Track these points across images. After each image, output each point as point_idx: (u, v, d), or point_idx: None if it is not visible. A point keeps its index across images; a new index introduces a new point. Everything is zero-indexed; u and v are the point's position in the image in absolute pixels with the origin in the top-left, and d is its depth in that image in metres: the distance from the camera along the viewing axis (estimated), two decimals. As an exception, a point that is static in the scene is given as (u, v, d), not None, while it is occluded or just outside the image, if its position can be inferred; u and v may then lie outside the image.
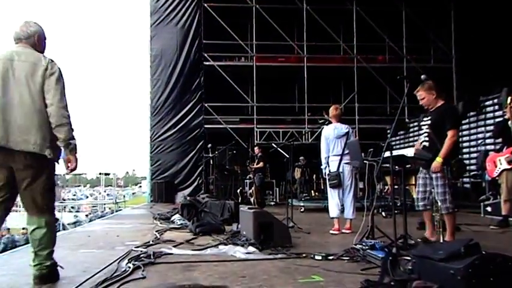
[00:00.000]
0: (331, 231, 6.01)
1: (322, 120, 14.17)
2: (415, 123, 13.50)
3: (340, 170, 6.02)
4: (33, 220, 3.12)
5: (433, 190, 4.58)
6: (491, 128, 10.68)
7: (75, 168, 3.25)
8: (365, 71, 15.50)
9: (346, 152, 5.88)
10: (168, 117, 15.30)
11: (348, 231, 5.90)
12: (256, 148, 11.59)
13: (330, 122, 6.35)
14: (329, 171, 6.15)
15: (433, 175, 4.53)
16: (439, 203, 4.49)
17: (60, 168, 3.32)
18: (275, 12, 15.34)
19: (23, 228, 15.56)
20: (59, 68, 3.18)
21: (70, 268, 3.73)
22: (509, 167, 6.48)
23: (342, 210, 6.16)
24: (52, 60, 3.17)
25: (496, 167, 6.71)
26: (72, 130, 3.14)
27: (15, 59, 3.08)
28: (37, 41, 3.26)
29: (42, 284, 3.08)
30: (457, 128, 4.65)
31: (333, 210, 6.13)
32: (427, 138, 4.64)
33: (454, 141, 4.45)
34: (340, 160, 5.99)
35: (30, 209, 3.11)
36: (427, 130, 4.64)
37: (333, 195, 6.16)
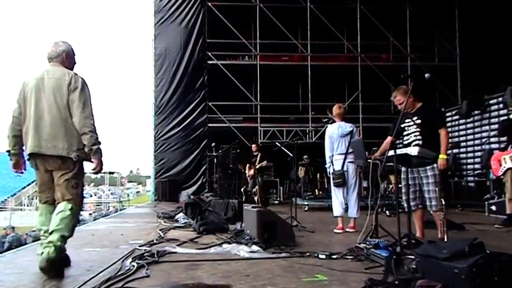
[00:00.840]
0: (335, 230, 6.03)
1: (326, 119, 14.17)
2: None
3: (345, 168, 6.05)
4: (61, 205, 3.50)
5: (423, 189, 4.63)
6: (496, 126, 10.66)
7: (99, 171, 3.68)
8: (369, 69, 15.47)
9: (351, 150, 5.89)
10: (172, 116, 15.33)
11: (351, 230, 5.93)
12: (254, 146, 11.55)
13: (334, 121, 6.35)
14: (333, 170, 6.18)
15: (423, 174, 4.60)
16: (429, 201, 4.57)
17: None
18: (279, 11, 15.33)
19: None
20: (82, 81, 3.58)
21: (74, 267, 3.75)
22: None
23: (346, 209, 6.18)
24: (76, 74, 3.59)
25: (500, 165, 6.71)
26: (96, 137, 3.53)
27: (45, 77, 3.56)
28: (65, 58, 3.69)
29: (48, 266, 3.24)
30: (446, 125, 4.95)
31: (337, 209, 6.16)
32: (419, 137, 4.68)
33: (448, 137, 4.68)
34: (345, 159, 6.00)
35: (61, 200, 3.54)
36: (417, 130, 4.69)
37: (337, 194, 6.19)
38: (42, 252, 3.33)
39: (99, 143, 3.56)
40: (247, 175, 11.21)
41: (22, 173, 3.77)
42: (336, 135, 6.14)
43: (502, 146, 7.37)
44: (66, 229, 3.42)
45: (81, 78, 3.59)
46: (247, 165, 11.27)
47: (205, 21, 15.59)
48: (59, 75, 3.56)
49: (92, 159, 3.58)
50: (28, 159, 3.66)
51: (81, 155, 3.56)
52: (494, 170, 6.96)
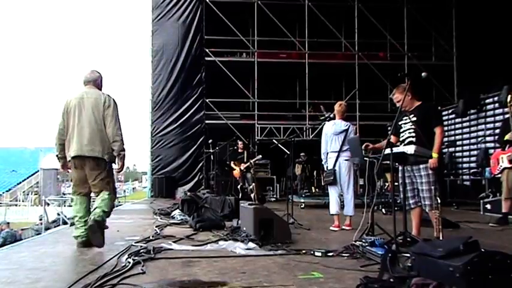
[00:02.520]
0: (331, 228, 6.08)
1: (323, 117, 14.21)
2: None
3: (337, 167, 6.08)
4: (101, 194, 4.57)
5: (418, 187, 4.66)
6: (491, 126, 10.71)
7: (122, 170, 4.87)
8: (366, 67, 15.48)
9: (345, 148, 5.96)
10: (169, 113, 15.31)
11: (347, 228, 5.95)
12: (240, 143, 11.57)
13: (331, 118, 6.40)
14: (326, 168, 6.25)
15: (417, 173, 4.63)
16: (423, 200, 4.60)
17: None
18: (277, 8, 15.32)
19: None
20: (114, 101, 4.69)
21: (70, 263, 3.77)
22: (510, 165, 6.53)
23: (342, 207, 6.25)
24: (109, 95, 4.70)
25: (498, 164, 6.75)
26: (123, 145, 4.61)
27: (84, 97, 4.63)
28: (99, 83, 4.84)
29: (94, 227, 4.28)
30: (443, 124, 4.90)
31: (333, 207, 6.19)
32: (413, 135, 4.70)
33: (443, 137, 4.72)
34: (338, 157, 6.04)
35: (99, 190, 4.60)
36: (412, 127, 4.72)
37: (332, 192, 6.24)
38: (78, 236, 4.47)
39: (124, 149, 4.62)
40: (234, 174, 11.26)
41: (68, 172, 4.87)
42: (330, 133, 6.17)
43: (497, 145, 7.40)
44: (106, 206, 4.50)
45: (113, 98, 4.70)
46: (235, 163, 11.31)
47: (203, 18, 15.55)
48: (96, 95, 4.64)
49: (118, 161, 4.65)
50: (69, 161, 4.65)
51: (111, 157, 4.61)
52: (492, 168, 7.05)
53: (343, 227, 5.99)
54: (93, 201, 4.73)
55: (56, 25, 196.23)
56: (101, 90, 4.80)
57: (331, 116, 6.53)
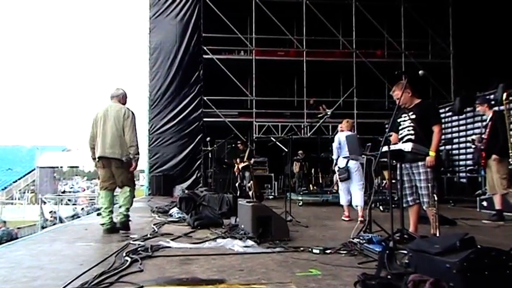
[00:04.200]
0: (342, 218, 6.86)
1: (321, 115, 14.27)
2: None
3: (348, 165, 6.81)
4: (124, 189, 5.67)
5: (417, 185, 4.68)
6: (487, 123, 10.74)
7: (134, 169, 5.76)
8: (364, 65, 15.50)
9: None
10: (167, 110, 15.28)
11: (361, 219, 6.06)
12: (239, 144, 11.65)
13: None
14: (338, 167, 7.01)
15: (415, 170, 4.64)
16: (422, 197, 4.62)
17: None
18: (275, 5, 15.30)
19: None
20: (132, 113, 5.68)
21: (67, 261, 3.75)
22: (483, 164, 6.85)
23: (350, 200, 6.90)
24: (129, 109, 5.70)
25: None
26: (137, 149, 5.63)
27: (108, 109, 5.66)
28: (122, 98, 5.84)
29: (121, 227, 5.52)
30: (441, 122, 4.90)
31: (342, 199, 7.05)
32: (412, 132, 4.71)
33: (441, 135, 4.72)
34: (348, 159, 6.67)
35: (122, 186, 5.66)
36: (411, 125, 4.72)
37: (342, 187, 7.04)
38: (103, 224, 5.45)
39: (139, 153, 5.67)
40: (235, 170, 11.34)
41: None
42: (343, 141, 6.79)
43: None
44: (128, 203, 5.68)
45: (131, 111, 5.69)
46: (237, 160, 11.37)
47: (201, 15, 15.52)
48: (118, 108, 5.66)
49: (133, 162, 5.64)
50: (98, 161, 5.64)
51: (128, 158, 5.56)
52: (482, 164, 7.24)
53: (359, 219, 6.14)
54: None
55: (54, 23, 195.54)
56: (124, 104, 5.81)
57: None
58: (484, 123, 6.87)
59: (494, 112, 6.95)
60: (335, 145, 7.22)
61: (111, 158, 5.52)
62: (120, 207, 5.66)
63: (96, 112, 5.77)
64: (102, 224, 5.45)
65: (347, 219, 6.76)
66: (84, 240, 4.99)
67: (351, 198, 6.91)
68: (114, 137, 5.51)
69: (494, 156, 6.60)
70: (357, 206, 6.61)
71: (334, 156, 7.21)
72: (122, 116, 5.57)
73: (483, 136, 6.76)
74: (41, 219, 19.63)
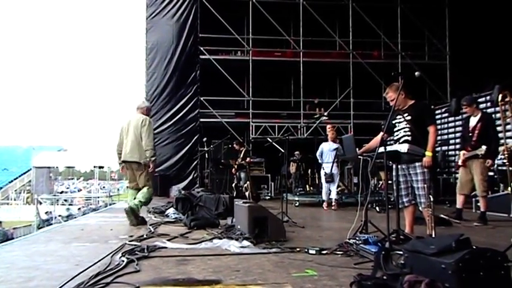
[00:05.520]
0: (324, 207, 9.30)
1: (317, 116, 14.28)
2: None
3: (333, 171, 9.30)
4: (143, 189, 6.47)
5: (413, 185, 4.69)
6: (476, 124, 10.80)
7: (153, 170, 6.60)
8: (360, 66, 15.54)
9: (335, 160, 9.26)
10: (164, 111, 15.25)
11: (334, 208, 9.14)
12: (235, 144, 11.69)
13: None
14: (325, 173, 9.41)
15: (412, 171, 4.66)
16: (418, 198, 4.64)
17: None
18: (271, 6, 15.33)
19: None
20: (149, 121, 6.54)
21: (63, 261, 3.74)
22: (462, 164, 6.81)
23: (329, 194, 9.38)
24: (146, 118, 6.56)
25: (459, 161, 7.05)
26: (153, 152, 6.47)
27: (131, 120, 6.59)
28: (145, 111, 6.78)
29: (128, 211, 6.23)
30: (436, 123, 4.96)
31: (324, 195, 9.51)
32: (408, 133, 4.73)
33: (437, 135, 4.76)
34: (332, 165, 9.26)
35: (142, 186, 6.50)
36: (407, 126, 4.74)
37: (325, 186, 9.46)
38: (128, 206, 6.31)
39: (155, 155, 6.54)
40: (232, 170, 11.39)
41: (125, 173, 7.04)
42: (326, 150, 9.52)
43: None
44: (143, 198, 6.39)
45: (149, 119, 6.57)
46: (234, 161, 11.42)
47: (198, 16, 15.50)
48: (138, 117, 6.56)
49: (150, 164, 6.45)
50: (122, 164, 6.67)
51: (146, 161, 6.40)
52: (456, 165, 7.38)
53: (332, 208, 9.14)
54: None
55: (51, 22, 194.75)
56: (147, 115, 6.72)
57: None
58: (472, 124, 6.77)
59: (483, 113, 6.97)
60: (318, 153, 9.57)
61: (131, 161, 6.46)
62: (135, 197, 6.50)
63: (123, 122, 6.77)
64: (130, 202, 6.46)
65: (326, 208, 9.27)
66: (80, 240, 4.97)
67: (329, 193, 9.39)
68: (133, 143, 6.42)
69: (489, 161, 6.62)
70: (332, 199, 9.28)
71: (320, 161, 9.50)
72: (140, 124, 6.45)
73: (473, 139, 6.71)
74: (36, 220, 19.58)
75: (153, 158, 6.42)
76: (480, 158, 6.55)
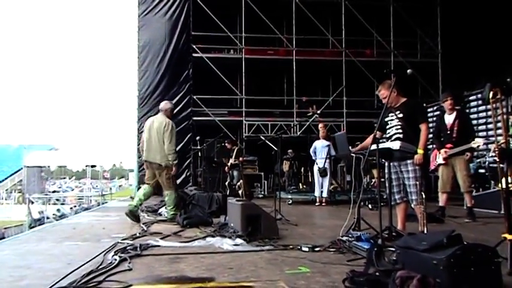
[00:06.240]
0: (316, 204, 9.66)
1: (310, 114, 14.30)
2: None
3: (326, 166, 9.61)
4: (165, 192, 6.75)
5: (405, 183, 4.73)
6: (475, 122, 10.87)
7: (175, 173, 6.85)
8: (353, 65, 15.57)
9: (327, 156, 9.62)
10: (156, 109, 14.84)
11: (324, 204, 9.58)
12: (227, 143, 11.73)
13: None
14: (318, 168, 9.63)
15: (404, 168, 4.70)
16: (410, 195, 4.68)
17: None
18: (264, 4, 15.28)
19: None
20: (172, 125, 6.69)
21: (55, 260, 3.72)
22: (443, 162, 6.82)
23: (322, 191, 9.68)
24: (169, 122, 6.70)
25: (435, 160, 7.13)
26: (175, 156, 6.64)
27: (154, 121, 6.80)
28: (169, 112, 6.92)
29: (127, 213, 6.42)
30: (428, 120, 4.98)
31: (317, 191, 9.78)
32: (400, 131, 4.76)
33: (428, 133, 4.80)
34: (325, 160, 9.60)
35: (163, 188, 6.78)
36: (399, 124, 4.77)
37: (318, 181, 9.74)
38: (130, 205, 6.61)
39: (176, 159, 6.66)
40: (225, 168, 11.41)
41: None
42: (319, 147, 9.85)
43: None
44: (172, 204, 6.70)
45: (172, 123, 6.71)
46: (227, 159, 11.47)
47: (190, 14, 15.42)
48: (161, 120, 6.72)
49: (173, 167, 6.66)
50: (144, 162, 6.98)
51: (166, 163, 6.58)
52: (430, 165, 7.41)
53: (323, 204, 9.60)
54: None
55: (41, 20, 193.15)
56: (169, 117, 6.83)
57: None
58: (449, 122, 6.79)
59: (459, 110, 7.03)
60: (311, 150, 10.01)
61: (152, 162, 6.67)
62: (165, 207, 7.04)
63: (147, 121, 7.02)
64: (129, 205, 6.66)
65: (318, 204, 9.67)
66: (72, 239, 4.95)
67: (321, 190, 9.73)
68: (156, 145, 6.62)
69: (468, 155, 6.67)
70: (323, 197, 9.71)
71: (313, 157, 9.94)
72: (162, 127, 6.61)
73: (453, 135, 6.74)
74: (28, 219, 19.44)
75: (174, 162, 6.64)
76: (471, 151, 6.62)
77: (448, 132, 6.80)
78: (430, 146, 11.99)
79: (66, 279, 2.95)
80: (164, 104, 7.04)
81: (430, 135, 5.82)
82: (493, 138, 7.47)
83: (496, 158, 7.54)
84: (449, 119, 6.83)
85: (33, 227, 15.21)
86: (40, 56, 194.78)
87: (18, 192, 33.66)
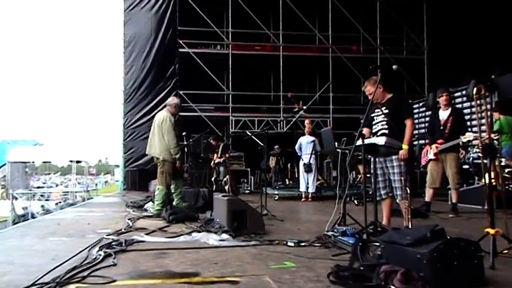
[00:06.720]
0: (302, 200, 9.61)
1: (296, 110, 14.34)
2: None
3: (311, 161, 9.62)
4: (157, 186, 6.77)
5: (390, 178, 4.77)
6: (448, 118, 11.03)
7: (179, 166, 6.94)
8: (340, 61, 15.63)
9: (313, 152, 9.58)
10: (142, 104, 15.07)
11: (310, 200, 9.54)
12: (212, 140, 11.73)
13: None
14: (304, 163, 9.64)
15: (389, 164, 4.73)
16: (395, 190, 4.72)
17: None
18: (251, 0, 15.24)
19: None
20: (169, 119, 6.71)
21: (38, 256, 3.67)
22: (434, 157, 6.86)
23: (307, 187, 9.66)
24: (167, 116, 6.74)
25: (426, 156, 7.16)
26: (176, 148, 6.68)
27: (157, 116, 6.94)
28: (173, 108, 6.92)
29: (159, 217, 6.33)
30: (413, 116, 5.06)
31: (302, 186, 9.78)
32: (385, 126, 4.79)
33: (413, 129, 4.83)
34: (310, 156, 9.58)
35: (157, 183, 6.85)
36: (384, 119, 4.80)
37: (304, 177, 9.72)
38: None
39: (179, 152, 6.73)
40: (212, 164, 11.44)
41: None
42: (304, 142, 9.82)
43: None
44: (158, 202, 6.61)
45: (169, 117, 6.72)
46: (213, 155, 11.48)
47: (177, 9, 15.33)
48: (163, 115, 6.84)
49: (177, 161, 6.74)
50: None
51: (164, 157, 6.67)
52: (422, 160, 7.48)
53: (309, 200, 9.55)
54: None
55: (24, 14, 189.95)
56: (174, 112, 6.87)
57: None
58: (443, 118, 6.85)
59: (454, 107, 7.09)
60: (297, 146, 9.97)
61: (153, 155, 6.87)
62: (150, 201, 7.43)
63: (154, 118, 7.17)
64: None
65: (304, 199, 9.62)
66: (56, 235, 4.89)
67: (308, 185, 9.68)
68: (155, 139, 6.76)
69: (463, 153, 6.76)
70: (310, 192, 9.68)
71: (299, 153, 9.94)
72: (161, 121, 6.73)
73: (446, 131, 6.81)
74: (12, 215, 19.16)
75: (177, 155, 6.68)
76: (461, 146, 6.68)
77: (441, 128, 6.83)
78: (416, 142, 12.20)
79: (50, 275, 2.91)
80: (171, 99, 7.16)
81: (416, 131, 5.88)
82: (477, 135, 7.59)
83: (479, 154, 7.67)
84: (443, 115, 6.87)
85: (16, 223, 15.01)
86: (24, 50, 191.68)
87: (1, 187, 33.13)
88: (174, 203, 6.79)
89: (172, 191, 6.93)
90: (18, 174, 33.97)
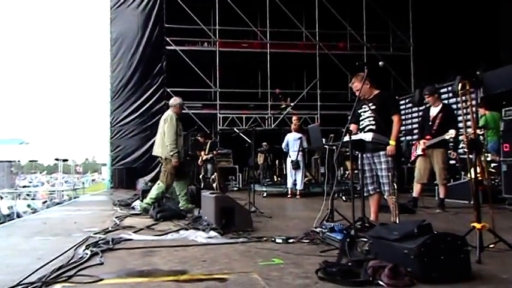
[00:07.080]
0: (288, 196, 9.73)
1: (283, 106, 14.34)
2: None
3: (298, 158, 9.70)
4: (158, 181, 6.88)
5: (378, 174, 4.79)
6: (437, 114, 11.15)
7: (176, 164, 6.68)
8: (327, 58, 15.68)
9: (300, 149, 9.63)
10: (129, 102, 14.94)
11: (298, 197, 9.63)
12: (200, 137, 11.73)
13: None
14: (291, 160, 9.72)
15: (376, 160, 4.76)
16: (383, 186, 4.75)
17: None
18: (238, -3, 15.21)
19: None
20: (171, 118, 6.78)
21: (24, 255, 3.63)
22: (422, 153, 6.92)
23: (295, 184, 9.78)
24: (169, 115, 6.84)
25: (415, 151, 7.25)
26: (172, 146, 6.63)
27: (163, 115, 7.05)
28: (177, 108, 7.00)
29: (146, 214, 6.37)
30: (400, 112, 5.06)
31: (289, 183, 9.88)
32: (373, 122, 4.81)
33: (401, 125, 4.87)
34: (298, 153, 9.67)
35: (159, 180, 6.86)
36: (371, 115, 4.82)
37: (291, 174, 9.82)
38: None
39: (175, 150, 6.64)
40: (199, 161, 11.45)
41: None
42: (292, 140, 9.87)
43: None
44: (153, 194, 6.62)
45: (171, 116, 6.80)
46: (201, 152, 11.48)
47: (163, 6, 15.21)
48: (166, 114, 6.96)
49: (172, 159, 6.65)
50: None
51: (166, 156, 6.71)
52: (411, 155, 7.62)
53: (297, 197, 9.66)
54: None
55: (10, 11, 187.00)
56: (178, 112, 6.97)
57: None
58: (433, 114, 6.89)
59: (444, 104, 7.14)
60: (284, 144, 9.99)
61: (157, 156, 7.00)
62: (137, 199, 7.37)
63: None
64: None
65: (290, 196, 9.76)
66: (42, 234, 4.83)
67: (295, 182, 9.77)
68: (159, 138, 6.91)
69: (452, 153, 6.83)
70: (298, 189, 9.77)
71: (285, 150, 10.01)
72: (163, 121, 6.87)
73: (434, 127, 6.85)
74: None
75: (172, 153, 6.64)
76: (452, 145, 6.74)
77: (430, 124, 6.89)
78: (403, 138, 12.30)
79: (36, 274, 2.88)
80: (173, 100, 7.17)
81: (403, 127, 5.92)
82: (462, 130, 7.68)
83: (465, 149, 7.76)
84: (433, 111, 6.92)
85: (2, 223, 14.81)
86: (9, 48, 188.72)
87: (-14, 187, 32.64)
88: (179, 205, 6.83)
89: (177, 193, 7.05)
90: (3, 173, 33.49)
